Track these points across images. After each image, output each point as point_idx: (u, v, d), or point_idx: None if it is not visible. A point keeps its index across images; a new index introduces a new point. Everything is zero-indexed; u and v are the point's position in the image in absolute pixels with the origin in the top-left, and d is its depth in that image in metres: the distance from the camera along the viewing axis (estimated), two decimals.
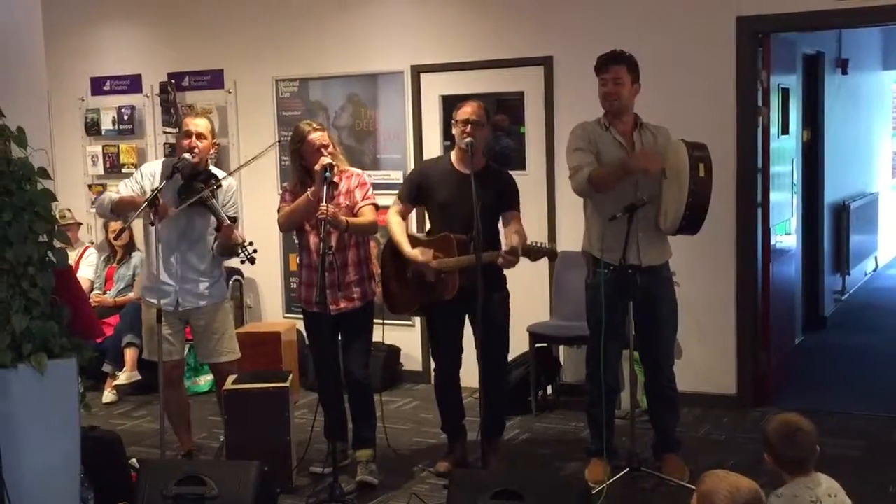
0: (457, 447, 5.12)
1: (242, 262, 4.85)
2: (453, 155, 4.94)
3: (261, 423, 4.76)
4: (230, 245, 4.82)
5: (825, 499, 3.06)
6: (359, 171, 5.04)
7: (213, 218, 4.92)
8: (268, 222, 6.08)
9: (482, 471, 4.68)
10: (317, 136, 4.80)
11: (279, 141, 5.15)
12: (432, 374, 5.29)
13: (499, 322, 4.90)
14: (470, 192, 4.58)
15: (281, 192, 5.70)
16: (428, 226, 5.29)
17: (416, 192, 5.03)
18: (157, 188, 4.81)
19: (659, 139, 4.77)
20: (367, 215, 4.84)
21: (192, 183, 4.89)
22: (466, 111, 4.84)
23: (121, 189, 5.08)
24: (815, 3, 5.59)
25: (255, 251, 4.77)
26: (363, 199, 4.85)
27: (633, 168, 4.53)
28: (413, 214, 5.81)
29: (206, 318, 5.07)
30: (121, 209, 4.95)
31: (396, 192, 6.00)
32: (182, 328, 5.14)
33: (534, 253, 4.62)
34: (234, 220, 4.84)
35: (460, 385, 5.12)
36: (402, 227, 5.00)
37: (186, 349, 5.38)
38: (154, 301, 4.97)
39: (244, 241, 4.80)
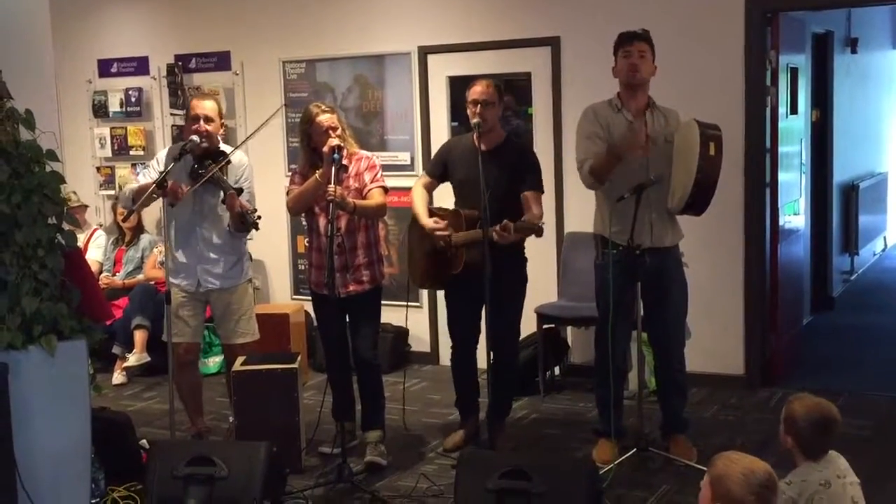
0: (469, 423, 5.16)
1: (248, 229, 4.84)
2: (474, 133, 4.95)
3: (270, 404, 4.78)
4: (236, 215, 4.80)
5: (834, 479, 3.06)
6: (368, 153, 5.04)
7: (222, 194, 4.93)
8: (275, 205, 6.09)
9: (490, 451, 4.70)
10: (325, 118, 4.80)
11: (285, 105, 5.08)
12: (443, 352, 5.31)
13: (512, 304, 4.91)
14: (486, 169, 4.61)
15: (289, 174, 5.71)
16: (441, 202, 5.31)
17: (440, 167, 5.11)
18: (164, 171, 4.81)
19: (670, 121, 4.77)
20: (375, 198, 4.84)
21: (203, 163, 4.89)
22: (476, 91, 4.86)
23: (140, 179, 5.11)
24: None
25: (259, 217, 4.77)
26: (372, 182, 4.85)
27: (619, 151, 4.52)
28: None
29: (225, 299, 5.08)
30: (139, 198, 4.95)
31: (403, 172, 6.02)
32: (202, 310, 5.15)
33: (522, 230, 4.62)
34: (240, 191, 4.82)
35: (476, 362, 5.15)
36: (423, 199, 5.05)
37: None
38: (174, 281, 5.01)
39: (248, 210, 4.79)
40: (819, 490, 3.02)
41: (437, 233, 4.85)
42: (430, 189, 5.18)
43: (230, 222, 4.94)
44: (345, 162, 4.76)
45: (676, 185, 4.61)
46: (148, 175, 5.04)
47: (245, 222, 4.81)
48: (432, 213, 5.03)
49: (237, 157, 5.04)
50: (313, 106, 4.92)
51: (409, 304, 6.20)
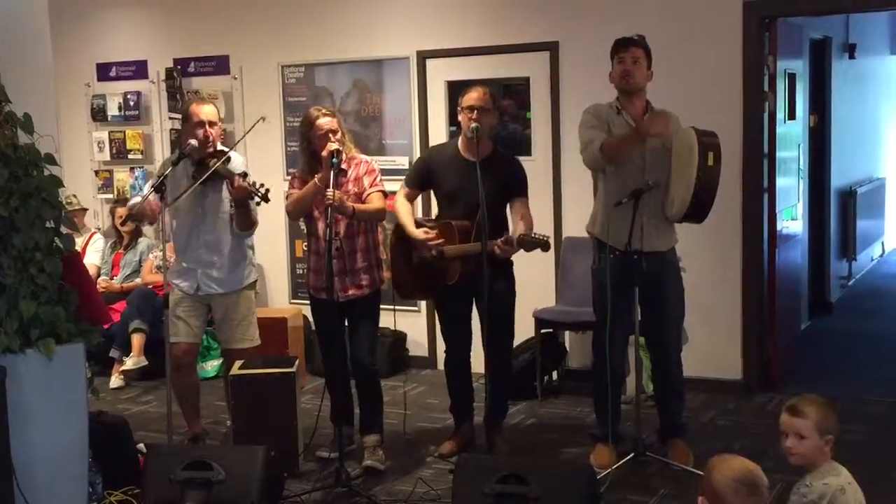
0: (464, 429, 5.16)
1: (258, 203, 4.79)
2: (459, 142, 4.94)
3: (267, 408, 4.78)
4: (244, 196, 4.75)
5: (846, 485, 3.09)
6: (367, 158, 5.04)
7: (225, 193, 4.88)
8: (274, 209, 6.08)
9: (488, 456, 4.70)
10: (325, 122, 4.80)
11: (264, 119, 5.10)
12: (440, 356, 5.32)
13: (502, 309, 4.91)
14: (474, 179, 4.57)
15: (288, 178, 5.71)
16: (433, 211, 5.30)
17: (421, 178, 5.07)
18: (163, 174, 4.82)
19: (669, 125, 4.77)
20: (374, 202, 4.84)
21: (203, 162, 4.88)
22: (472, 97, 4.84)
23: (144, 189, 5.11)
24: None
25: (267, 190, 4.71)
26: (371, 187, 4.86)
27: (646, 132, 4.51)
28: (418, 200, 5.79)
29: (225, 305, 5.08)
30: (140, 208, 4.96)
31: (402, 177, 6.01)
32: (203, 312, 5.14)
33: (528, 244, 4.61)
34: (244, 175, 4.78)
35: (471, 368, 5.16)
36: (408, 210, 5.03)
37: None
38: (174, 282, 5.03)
39: (254, 184, 4.73)
40: (837, 494, 3.04)
41: (431, 243, 4.83)
42: (412, 200, 5.15)
43: (235, 219, 4.93)
44: (343, 166, 4.76)
45: (675, 194, 4.61)
46: (152, 184, 5.04)
47: (253, 199, 4.75)
48: (420, 226, 5.00)
49: (235, 157, 5.04)
50: (314, 109, 4.93)
51: (407, 308, 6.23)
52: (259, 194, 4.71)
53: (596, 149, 4.60)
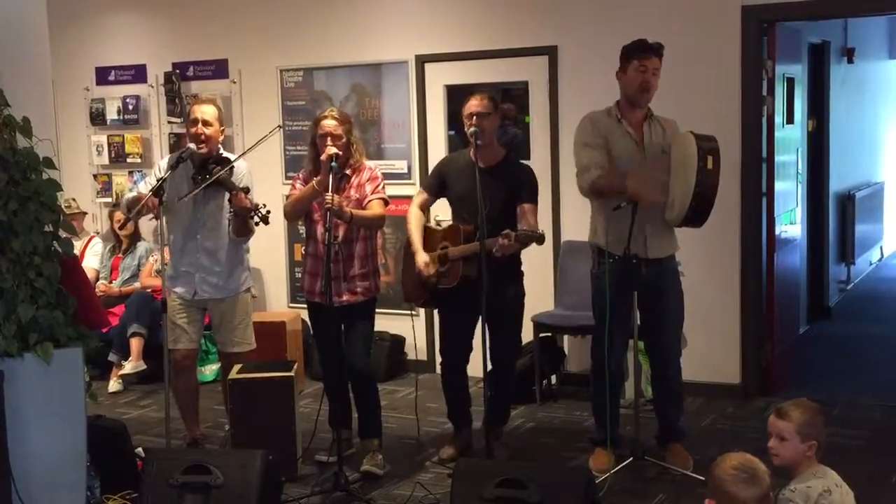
0: (462, 434, 5.16)
1: (257, 223, 4.78)
2: (471, 150, 4.96)
3: (266, 412, 4.78)
4: (243, 212, 4.75)
5: (834, 488, 3.10)
6: (371, 165, 5.04)
7: (226, 201, 4.87)
8: (273, 214, 6.08)
9: (486, 460, 4.70)
10: (327, 124, 4.79)
11: (281, 126, 5.05)
12: (438, 364, 5.31)
13: (511, 318, 4.91)
14: (485, 185, 4.60)
15: (288, 181, 5.71)
16: (431, 215, 5.31)
17: (437, 183, 5.11)
18: (161, 178, 4.82)
19: (667, 132, 4.76)
20: (374, 209, 4.84)
21: (205, 167, 4.88)
22: (471, 105, 4.87)
23: (141, 188, 5.10)
24: None
25: (268, 212, 4.70)
26: (373, 194, 4.85)
27: (631, 194, 4.47)
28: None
29: (222, 309, 5.08)
30: (134, 205, 4.95)
31: (400, 181, 6.01)
32: (199, 317, 5.14)
33: (523, 238, 4.61)
34: (247, 190, 4.78)
35: (467, 376, 5.16)
36: (418, 222, 5.05)
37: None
38: (171, 288, 5.02)
39: (256, 205, 4.73)
40: (823, 494, 3.06)
41: (424, 275, 4.87)
42: (426, 206, 5.18)
43: (233, 226, 4.93)
44: (348, 172, 4.77)
45: (675, 198, 4.60)
46: (149, 183, 5.05)
47: (252, 218, 4.75)
48: (429, 230, 5.03)
49: (239, 166, 5.04)
50: (328, 109, 4.95)
51: (405, 312, 6.22)
52: (259, 215, 4.70)
53: (589, 181, 4.62)
